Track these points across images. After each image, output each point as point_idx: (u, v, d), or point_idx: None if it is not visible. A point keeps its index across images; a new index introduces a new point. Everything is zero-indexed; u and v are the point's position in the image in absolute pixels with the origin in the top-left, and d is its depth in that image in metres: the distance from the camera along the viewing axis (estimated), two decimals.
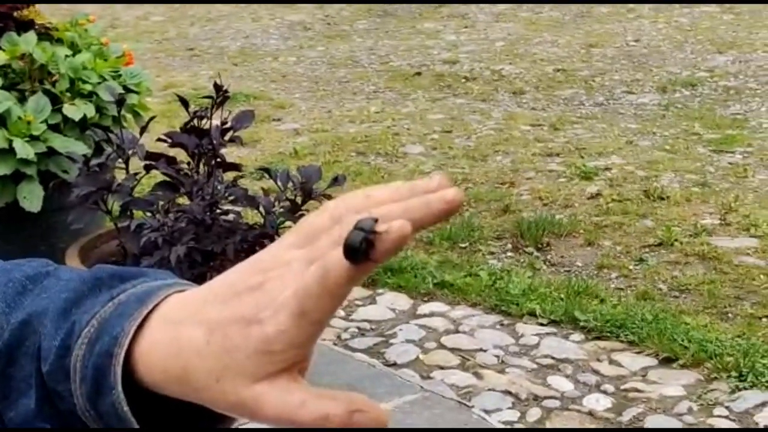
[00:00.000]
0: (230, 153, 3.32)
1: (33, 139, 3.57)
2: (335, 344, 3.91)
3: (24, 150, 3.52)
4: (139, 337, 0.76)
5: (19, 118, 3.58)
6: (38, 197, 3.51)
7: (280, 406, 0.71)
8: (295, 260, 0.71)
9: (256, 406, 0.71)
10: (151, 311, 0.77)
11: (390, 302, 4.30)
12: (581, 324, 4.06)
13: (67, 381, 0.81)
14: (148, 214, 3.27)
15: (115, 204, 3.29)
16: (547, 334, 4.04)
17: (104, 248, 3.41)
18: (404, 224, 0.67)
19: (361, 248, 0.65)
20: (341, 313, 4.19)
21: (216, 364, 0.71)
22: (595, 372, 3.76)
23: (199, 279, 2.90)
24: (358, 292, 4.37)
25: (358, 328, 4.07)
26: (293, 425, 0.71)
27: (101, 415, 0.80)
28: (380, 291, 4.39)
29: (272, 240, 3.26)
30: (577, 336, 4.01)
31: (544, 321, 4.12)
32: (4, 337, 0.85)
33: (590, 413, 3.49)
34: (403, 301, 4.31)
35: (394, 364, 3.78)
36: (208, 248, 3.13)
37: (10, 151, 3.52)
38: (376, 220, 0.66)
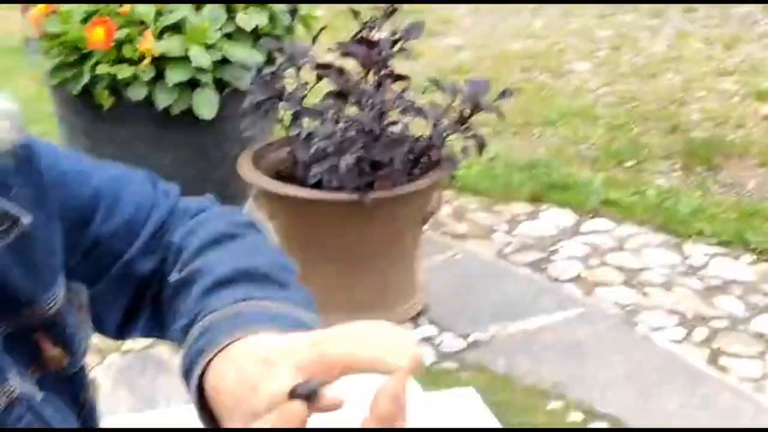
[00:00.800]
0: (395, 66, 3.32)
1: (208, 47, 3.64)
2: (497, 258, 3.92)
3: (200, 58, 3.60)
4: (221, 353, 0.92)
5: (196, 26, 3.65)
6: (212, 105, 3.59)
7: None
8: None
9: None
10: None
11: (553, 218, 4.27)
12: (752, 245, 3.96)
13: (183, 344, 0.97)
14: (318, 123, 3.31)
15: (286, 113, 3.34)
16: (716, 254, 3.95)
17: (275, 156, 3.47)
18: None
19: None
20: (504, 227, 4.19)
21: (230, 406, 0.89)
22: (766, 294, 3.66)
23: (368, 187, 2.94)
24: (521, 207, 4.35)
25: (521, 243, 4.06)
26: None
27: (189, 386, 0.94)
28: (543, 207, 4.36)
29: (439, 151, 3.28)
30: (747, 257, 3.91)
31: (713, 242, 4.03)
32: (182, 275, 1.02)
33: (759, 335, 3.42)
34: (566, 218, 4.27)
35: (557, 280, 3.76)
36: (376, 158, 3.16)
37: (186, 59, 3.61)
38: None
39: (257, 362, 0.89)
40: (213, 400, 0.92)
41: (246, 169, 3.35)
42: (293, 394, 0.85)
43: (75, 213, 1.03)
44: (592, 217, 4.26)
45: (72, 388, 1.00)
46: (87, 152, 1.01)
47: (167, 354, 2.61)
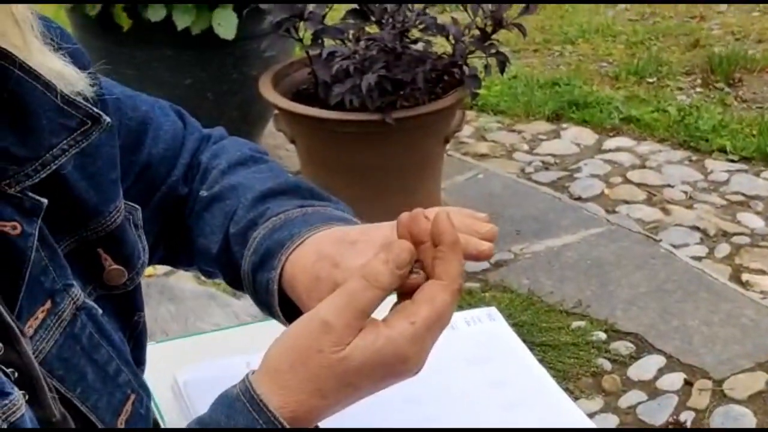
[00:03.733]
0: None
1: None
2: (519, 177, 3.91)
3: None
4: (301, 244, 0.98)
5: None
6: (232, 24, 3.55)
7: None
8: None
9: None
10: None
11: (574, 137, 4.25)
12: None
13: (243, 246, 1.02)
14: (339, 42, 3.28)
15: (306, 32, 3.31)
16: (738, 170, 3.94)
17: (295, 76, 3.45)
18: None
19: None
20: (525, 147, 4.18)
21: (309, 284, 0.95)
22: None
23: (390, 107, 2.91)
24: (542, 126, 4.33)
25: (542, 162, 4.05)
26: None
27: (255, 282, 1.01)
28: (564, 125, 4.34)
29: (460, 69, 3.25)
30: None
31: (735, 157, 4.02)
32: (213, 190, 1.09)
33: None
34: (587, 136, 4.25)
35: (579, 198, 3.76)
36: (398, 77, 3.13)
37: None
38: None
39: (337, 242, 0.95)
40: (289, 285, 0.97)
41: (266, 90, 3.33)
42: None
43: (129, 135, 1.07)
44: (614, 135, 4.24)
45: (127, 306, 1.02)
46: (106, 75, 1.02)
47: (172, 282, 2.63)
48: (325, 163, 3.32)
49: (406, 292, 0.87)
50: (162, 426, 1.24)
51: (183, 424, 1.24)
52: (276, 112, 3.45)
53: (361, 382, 0.85)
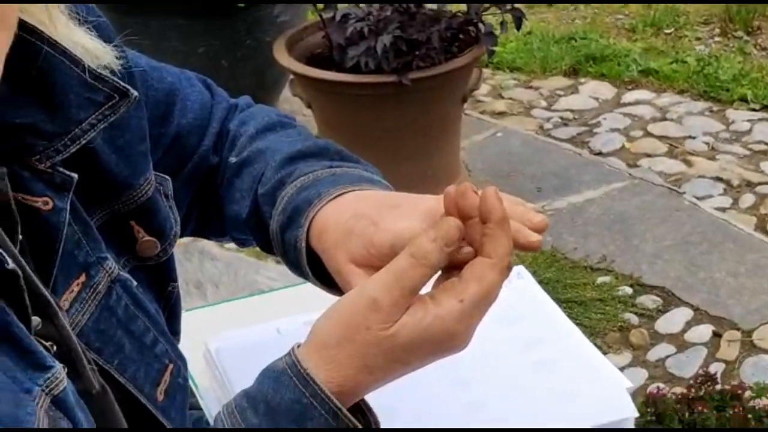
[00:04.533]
0: None
1: None
2: (538, 134, 3.88)
3: None
4: (332, 200, 0.97)
5: None
6: None
7: (348, 287, 0.91)
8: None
9: (342, 278, 0.94)
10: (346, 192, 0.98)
11: (593, 91, 4.22)
12: None
13: (271, 206, 1.03)
14: (353, 3, 3.25)
15: None
16: (760, 119, 3.90)
17: (310, 40, 3.43)
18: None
19: None
20: (543, 103, 4.15)
21: (340, 237, 0.94)
22: None
23: (405, 68, 2.89)
24: (559, 81, 4.30)
25: (561, 117, 4.02)
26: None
27: (284, 241, 1.02)
28: (582, 80, 4.30)
29: (476, 27, 3.22)
30: None
31: (756, 106, 3.98)
32: (242, 155, 1.09)
33: None
34: (606, 90, 4.22)
35: (600, 153, 3.73)
36: (413, 37, 3.11)
37: None
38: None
39: (378, 204, 0.95)
40: (316, 237, 0.97)
41: (281, 55, 3.31)
42: None
43: (156, 106, 1.07)
44: (632, 88, 4.21)
45: (161, 277, 1.02)
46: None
47: (209, 244, 2.63)
48: (343, 127, 3.30)
49: (452, 267, 0.86)
50: (196, 393, 1.24)
51: (216, 392, 1.24)
52: (291, 77, 3.43)
53: (408, 358, 0.84)
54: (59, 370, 0.79)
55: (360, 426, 0.84)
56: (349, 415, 0.83)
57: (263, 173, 1.07)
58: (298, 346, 0.86)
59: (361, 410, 0.87)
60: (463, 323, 0.83)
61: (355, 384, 0.84)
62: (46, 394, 0.77)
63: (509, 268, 0.85)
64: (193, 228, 1.17)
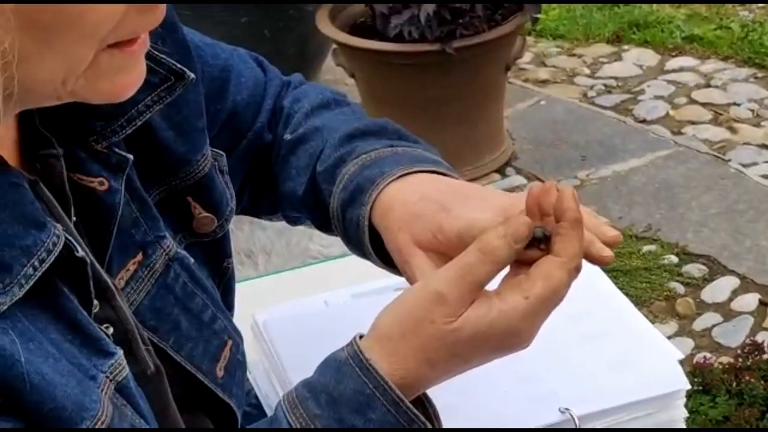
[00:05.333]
0: None
1: None
2: (581, 102, 3.85)
3: None
4: (398, 180, 0.97)
5: None
6: None
7: (410, 270, 0.93)
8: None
9: (401, 257, 0.94)
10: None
11: (636, 58, 4.17)
12: None
13: (331, 184, 1.02)
14: None
15: None
16: None
17: (353, 9, 3.42)
18: None
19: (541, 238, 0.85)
20: (586, 71, 4.11)
21: (406, 217, 0.94)
22: None
23: (449, 36, 2.86)
24: (602, 49, 4.26)
25: (605, 85, 3.99)
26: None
27: (345, 219, 1.01)
28: (625, 47, 4.26)
29: None
30: None
31: None
32: (298, 132, 1.09)
33: None
34: (649, 57, 4.18)
35: (644, 121, 3.70)
36: (457, 5, 3.09)
37: None
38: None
39: (449, 191, 0.95)
40: (380, 216, 0.97)
41: (324, 24, 3.31)
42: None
43: (212, 82, 1.06)
44: (676, 55, 4.16)
45: (217, 253, 1.03)
46: None
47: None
48: (386, 97, 3.30)
49: (522, 264, 0.86)
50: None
51: (265, 365, 1.24)
52: (334, 46, 3.43)
53: (471, 353, 0.84)
54: (121, 356, 0.80)
55: (421, 417, 0.84)
56: (411, 406, 0.83)
57: (322, 150, 1.06)
58: (360, 337, 0.86)
59: (422, 402, 0.87)
60: (528, 321, 0.83)
61: (417, 377, 0.84)
62: (111, 381, 0.78)
63: (578, 270, 0.84)
64: (244, 206, 1.17)
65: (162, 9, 0.77)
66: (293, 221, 1.17)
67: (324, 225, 1.07)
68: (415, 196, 0.96)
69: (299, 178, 1.08)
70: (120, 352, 0.80)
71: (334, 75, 3.84)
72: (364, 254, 1.02)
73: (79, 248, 0.79)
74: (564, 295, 0.85)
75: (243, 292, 1.28)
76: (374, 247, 1.00)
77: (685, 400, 1.16)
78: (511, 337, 0.84)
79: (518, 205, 0.89)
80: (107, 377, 0.78)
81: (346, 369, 0.84)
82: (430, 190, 0.96)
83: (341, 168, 1.02)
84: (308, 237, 2.20)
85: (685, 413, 1.17)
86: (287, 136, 1.10)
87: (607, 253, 0.90)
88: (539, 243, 0.86)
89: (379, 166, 1.00)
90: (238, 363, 1.01)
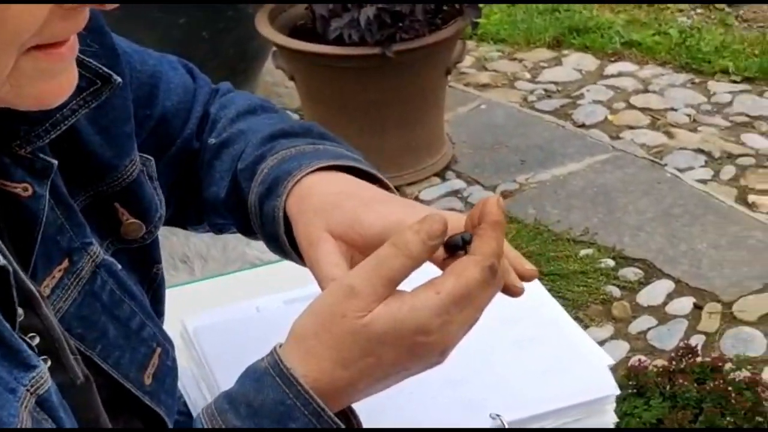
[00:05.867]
0: None
1: None
2: (521, 106, 3.88)
3: None
4: (318, 171, 0.97)
5: None
6: None
7: (315, 256, 0.92)
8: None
9: (309, 242, 0.93)
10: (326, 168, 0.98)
11: (576, 63, 4.21)
12: None
13: (251, 180, 1.01)
14: None
15: None
16: (741, 91, 3.91)
17: (292, 11, 3.41)
18: None
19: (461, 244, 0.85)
20: (526, 75, 4.14)
21: (323, 205, 0.94)
22: None
23: (389, 40, 2.86)
24: (543, 53, 4.29)
25: (545, 90, 4.02)
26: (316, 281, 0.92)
27: (262, 214, 1.00)
28: (565, 52, 4.30)
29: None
30: None
31: (738, 78, 3.98)
32: (222, 136, 1.08)
33: None
34: (589, 62, 4.22)
35: (583, 125, 3.73)
36: (397, 9, 3.09)
37: None
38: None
39: (371, 193, 0.96)
40: (295, 203, 0.97)
41: (263, 26, 3.30)
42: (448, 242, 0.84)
43: (141, 88, 1.05)
44: (615, 60, 4.21)
45: (146, 259, 1.01)
46: None
47: None
48: (326, 100, 3.29)
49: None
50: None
51: (194, 372, 1.23)
52: (274, 49, 3.41)
53: (384, 353, 0.82)
54: (44, 369, 0.78)
55: (343, 426, 0.83)
56: (332, 415, 0.82)
57: (243, 151, 1.05)
58: (280, 346, 0.84)
59: (346, 415, 0.86)
60: (440, 318, 0.81)
61: (331, 380, 0.82)
62: (31, 394, 0.76)
63: (493, 270, 0.82)
64: (170, 215, 1.14)
65: (85, 14, 0.76)
66: (219, 229, 1.15)
67: (247, 228, 1.06)
68: (336, 188, 0.95)
69: (222, 181, 1.07)
70: (42, 364, 0.78)
71: (273, 77, 3.83)
72: (281, 250, 1.01)
73: (1, 257, 0.78)
74: (481, 298, 0.83)
75: (174, 297, 1.27)
76: (293, 243, 0.98)
77: (615, 405, 1.17)
78: (422, 334, 0.81)
79: (439, 215, 0.88)
80: (28, 390, 0.76)
81: (266, 379, 0.83)
82: (350, 186, 0.96)
83: (261, 164, 1.02)
84: (245, 242, 2.17)
85: (614, 418, 1.18)
86: (211, 141, 1.09)
87: (520, 285, 0.89)
88: (462, 248, 0.85)
89: (299, 159, 0.99)
90: (168, 370, 0.99)
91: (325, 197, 0.95)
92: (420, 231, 0.81)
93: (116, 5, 0.75)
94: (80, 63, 0.86)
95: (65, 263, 0.89)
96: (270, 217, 0.99)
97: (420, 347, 0.82)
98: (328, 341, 0.82)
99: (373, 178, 1.01)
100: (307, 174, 0.97)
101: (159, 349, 0.97)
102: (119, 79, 0.90)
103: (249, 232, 1.08)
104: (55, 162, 0.87)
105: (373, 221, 0.91)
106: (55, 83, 0.77)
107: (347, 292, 0.82)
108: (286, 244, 0.99)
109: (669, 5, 4.63)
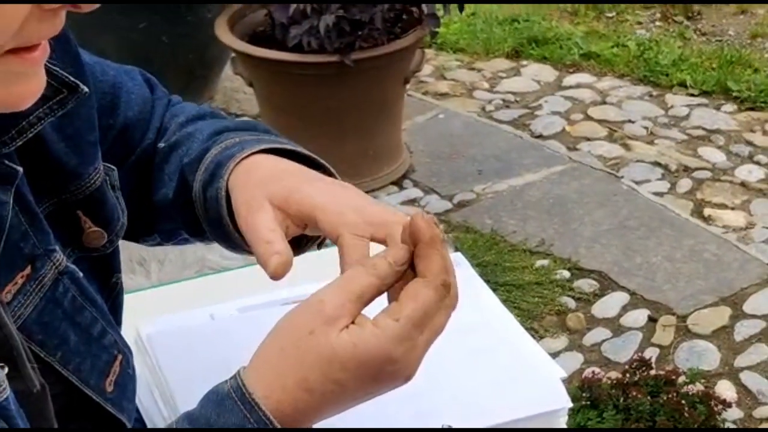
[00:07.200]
0: None
1: None
2: (480, 116, 3.89)
3: None
4: (259, 153, 0.99)
5: None
6: None
7: (252, 222, 0.93)
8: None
9: (247, 210, 0.94)
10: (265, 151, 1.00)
11: (534, 74, 4.23)
12: (734, 94, 3.95)
13: (195, 172, 1.02)
14: None
15: None
16: (698, 105, 3.94)
17: (252, 18, 3.40)
18: None
19: None
20: (485, 85, 4.15)
21: (264, 179, 0.96)
22: (748, 143, 3.68)
23: (348, 48, 2.86)
24: (502, 63, 4.31)
25: (503, 100, 4.03)
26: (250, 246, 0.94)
27: (206, 200, 1.01)
28: (524, 63, 4.32)
29: (419, 8, 3.21)
30: (730, 106, 3.91)
31: (695, 92, 4.02)
32: (170, 140, 1.09)
33: (742, 184, 3.43)
34: (547, 73, 4.24)
35: (540, 136, 3.75)
36: (356, 17, 3.09)
37: None
38: None
39: (316, 174, 0.98)
40: (240, 178, 0.98)
41: (223, 32, 3.29)
42: None
43: (103, 97, 1.05)
44: (573, 71, 4.23)
45: (106, 268, 1.01)
46: None
47: None
48: (284, 106, 3.29)
49: None
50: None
51: (147, 379, 1.22)
52: (233, 55, 3.40)
53: (348, 381, 0.82)
54: (2, 378, 0.77)
55: None
56: None
57: (189, 148, 1.07)
58: (244, 369, 0.84)
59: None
60: (402, 345, 0.81)
61: (293, 400, 0.81)
62: None
63: (446, 286, 0.83)
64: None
65: (62, 17, 0.75)
66: (168, 236, 1.15)
67: (196, 226, 1.06)
68: (281, 166, 0.97)
69: (171, 182, 1.07)
70: (1, 372, 0.78)
71: (232, 83, 3.82)
72: (224, 234, 1.01)
73: None
74: (439, 317, 0.84)
75: (128, 303, 1.26)
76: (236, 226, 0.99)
77: (567, 417, 1.17)
78: (387, 363, 0.82)
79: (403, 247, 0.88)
80: None
81: (228, 402, 0.82)
82: (294, 166, 0.98)
83: (205, 155, 1.03)
84: (205, 246, 2.17)
85: None
86: (161, 145, 1.09)
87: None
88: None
89: (242, 145, 1.01)
90: (129, 377, 0.99)
91: (269, 171, 0.97)
92: (387, 256, 0.84)
93: (95, 6, 0.74)
94: (47, 71, 0.85)
95: (28, 270, 0.88)
96: (213, 200, 0.99)
97: (386, 375, 0.83)
98: (293, 357, 0.82)
99: (317, 167, 1.02)
100: (252, 154, 0.99)
101: (120, 357, 0.97)
102: (86, 89, 0.90)
103: (197, 233, 1.07)
104: (20, 169, 0.87)
105: (312, 193, 0.93)
106: (25, 87, 0.77)
107: (315, 306, 0.82)
108: (229, 225, 0.99)
109: (628, 18, 4.67)
